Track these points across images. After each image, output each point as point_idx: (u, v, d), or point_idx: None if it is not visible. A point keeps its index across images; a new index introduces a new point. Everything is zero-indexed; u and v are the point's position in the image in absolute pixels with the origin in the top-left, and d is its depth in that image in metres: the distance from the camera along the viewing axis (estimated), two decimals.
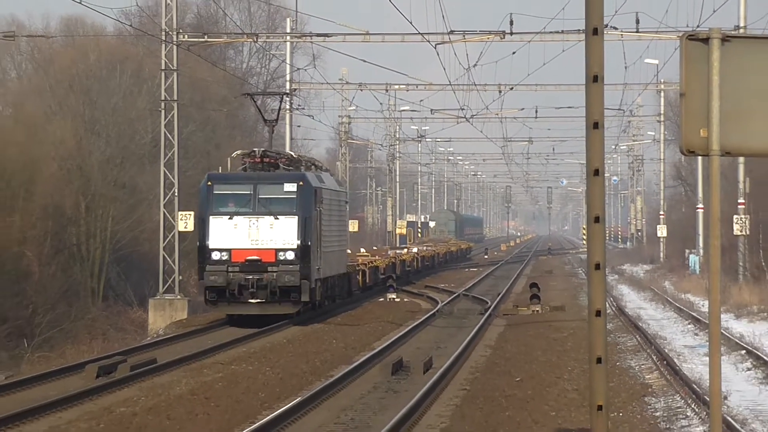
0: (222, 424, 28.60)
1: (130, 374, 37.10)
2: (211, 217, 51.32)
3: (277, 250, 50.90)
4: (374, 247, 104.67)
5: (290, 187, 51.80)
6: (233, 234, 50.91)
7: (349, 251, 75.22)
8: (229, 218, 51.07)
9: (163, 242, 64.90)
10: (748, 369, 38.17)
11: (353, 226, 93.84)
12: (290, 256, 50.85)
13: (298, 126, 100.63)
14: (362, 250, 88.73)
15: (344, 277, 63.95)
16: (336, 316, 58.12)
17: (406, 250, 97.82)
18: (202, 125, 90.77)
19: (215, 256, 50.71)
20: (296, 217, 51.37)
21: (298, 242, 51.06)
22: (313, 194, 52.64)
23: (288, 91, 64.29)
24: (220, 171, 54.70)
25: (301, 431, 28.17)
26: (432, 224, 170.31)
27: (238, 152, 55.54)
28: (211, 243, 50.91)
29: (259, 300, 50.62)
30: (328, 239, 55.91)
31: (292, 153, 58.73)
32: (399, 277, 78.94)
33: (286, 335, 49.42)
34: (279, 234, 51.05)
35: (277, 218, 51.20)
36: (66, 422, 29.37)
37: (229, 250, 50.69)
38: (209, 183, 52.01)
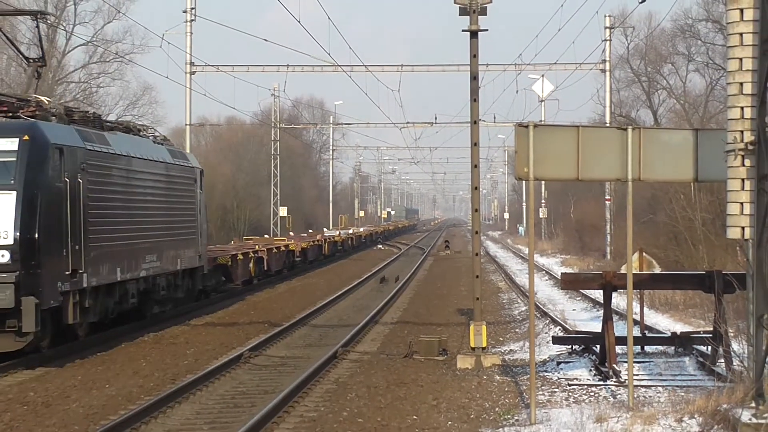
0: (299, 306, 28.42)
1: (258, 284, 36.91)
2: None
3: None
4: (311, 231, 61.86)
5: (6, 144, 15.02)
6: None
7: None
8: None
9: (272, 220, 64.13)
10: (546, 280, 38.09)
11: (361, 214, 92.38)
12: (4, 257, 14.69)
13: (336, 167, 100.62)
14: (254, 237, 47.68)
15: (191, 272, 24.97)
16: (352, 255, 57.81)
17: (338, 232, 58.70)
18: (290, 167, 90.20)
19: None
20: (14, 192, 14.90)
21: (17, 234, 14.68)
22: (55, 156, 15.47)
23: (43, 10, 21.10)
24: None
25: (339, 308, 27.99)
26: (393, 213, 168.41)
27: None
28: None
29: None
30: (118, 226, 18.26)
31: (47, 99, 17.44)
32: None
33: (332, 265, 49.04)
34: None
35: None
36: (227, 305, 29.21)
37: None
38: None
